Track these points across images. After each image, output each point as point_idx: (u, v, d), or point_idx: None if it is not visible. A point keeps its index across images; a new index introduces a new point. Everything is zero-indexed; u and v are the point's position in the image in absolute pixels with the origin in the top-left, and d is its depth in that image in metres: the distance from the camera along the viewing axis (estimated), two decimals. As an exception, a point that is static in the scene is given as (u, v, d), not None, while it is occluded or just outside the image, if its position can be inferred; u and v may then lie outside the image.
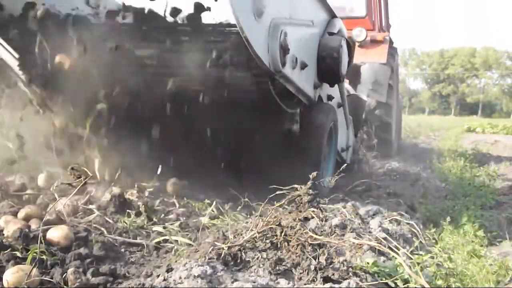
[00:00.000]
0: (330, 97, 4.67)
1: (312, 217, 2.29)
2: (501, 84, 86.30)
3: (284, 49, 3.17)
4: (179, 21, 3.43)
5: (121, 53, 3.29)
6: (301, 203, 2.30)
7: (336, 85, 4.66)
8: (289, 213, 2.31)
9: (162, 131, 3.65)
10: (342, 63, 4.12)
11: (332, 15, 4.44)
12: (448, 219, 3.76)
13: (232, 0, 2.66)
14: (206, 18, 3.38)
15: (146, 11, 3.46)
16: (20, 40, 3.37)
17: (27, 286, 1.84)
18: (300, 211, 2.26)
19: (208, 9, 3.33)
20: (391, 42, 9.14)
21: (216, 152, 3.88)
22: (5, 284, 1.84)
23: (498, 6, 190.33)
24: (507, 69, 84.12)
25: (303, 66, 3.63)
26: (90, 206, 2.85)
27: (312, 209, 2.27)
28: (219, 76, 3.27)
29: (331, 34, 4.26)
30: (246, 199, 3.19)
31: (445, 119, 48.17)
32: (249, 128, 3.71)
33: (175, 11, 3.42)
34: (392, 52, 9.18)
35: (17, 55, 3.42)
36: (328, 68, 4.06)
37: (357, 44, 8.42)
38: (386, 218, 3.28)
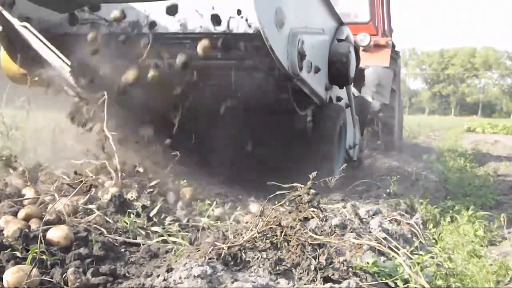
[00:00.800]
0: (339, 98, 5.02)
1: (312, 217, 2.29)
2: (501, 84, 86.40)
3: (301, 55, 3.51)
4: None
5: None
6: (301, 203, 2.30)
7: (344, 87, 5.00)
8: (289, 213, 2.31)
9: (178, 132, 3.75)
10: (350, 67, 4.49)
11: (340, 23, 4.76)
12: (448, 219, 3.76)
13: (258, 13, 2.96)
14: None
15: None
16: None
17: (27, 286, 1.83)
18: (300, 211, 2.26)
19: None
20: (393, 46, 9.47)
21: (234, 151, 4.08)
22: (5, 284, 1.84)
23: (498, 6, 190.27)
24: (507, 69, 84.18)
25: (317, 70, 3.98)
26: (90, 206, 2.85)
27: (312, 209, 2.27)
28: (243, 79, 3.52)
29: (340, 40, 4.60)
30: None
31: (445, 119, 48.26)
32: (266, 128, 4.00)
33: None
34: (395, 55, 9.41)
35: (69, 62, 3.58)
36: (338, 72, 4.44)
37: (361, 48, 8.57)
38: (386, 218, 3.28)
